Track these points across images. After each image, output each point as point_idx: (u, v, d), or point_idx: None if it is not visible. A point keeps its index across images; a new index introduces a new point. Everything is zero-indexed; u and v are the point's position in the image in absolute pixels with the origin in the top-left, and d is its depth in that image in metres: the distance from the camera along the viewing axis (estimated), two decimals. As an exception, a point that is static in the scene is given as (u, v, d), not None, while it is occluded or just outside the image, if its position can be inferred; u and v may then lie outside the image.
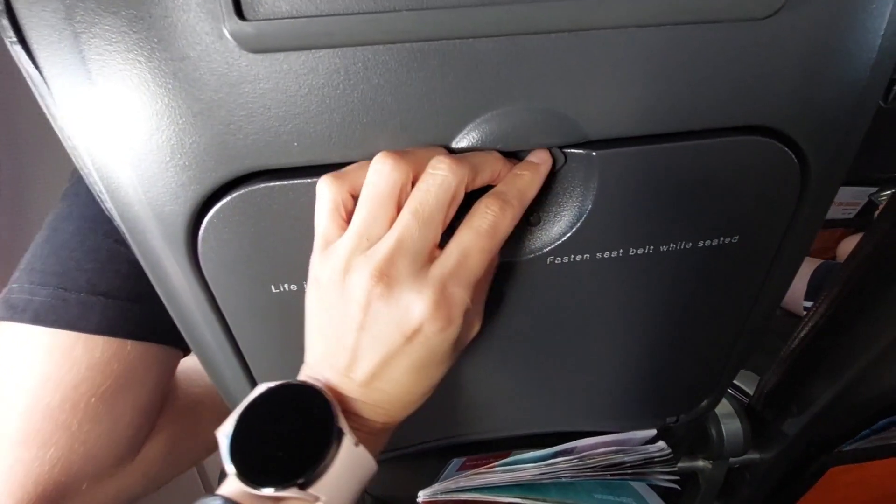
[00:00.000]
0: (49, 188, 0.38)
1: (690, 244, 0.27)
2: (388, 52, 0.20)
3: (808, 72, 0.22)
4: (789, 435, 0.46)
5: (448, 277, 0.21)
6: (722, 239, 0.27)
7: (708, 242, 0.27)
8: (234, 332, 0.28)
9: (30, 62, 0.21)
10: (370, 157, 0.22)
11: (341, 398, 0.23)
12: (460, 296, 0.22)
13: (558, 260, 0.26)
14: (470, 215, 0.22)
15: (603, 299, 0.29)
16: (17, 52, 0.21)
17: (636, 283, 0.29)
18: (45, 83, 0.21)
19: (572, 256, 0.26)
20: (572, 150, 0.24)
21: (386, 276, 0.21)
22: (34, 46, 0.20)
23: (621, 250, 0.27)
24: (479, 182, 0.22)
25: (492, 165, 0.23)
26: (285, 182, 0.23)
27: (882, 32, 0.22)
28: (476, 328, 0.26)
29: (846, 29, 0.22)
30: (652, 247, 0.27)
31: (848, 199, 0.85)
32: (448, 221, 0.22)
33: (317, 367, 0.24)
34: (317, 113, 0.21)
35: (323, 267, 0.23)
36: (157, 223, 0.23)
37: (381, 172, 0.21)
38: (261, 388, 0.23)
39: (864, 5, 0.21)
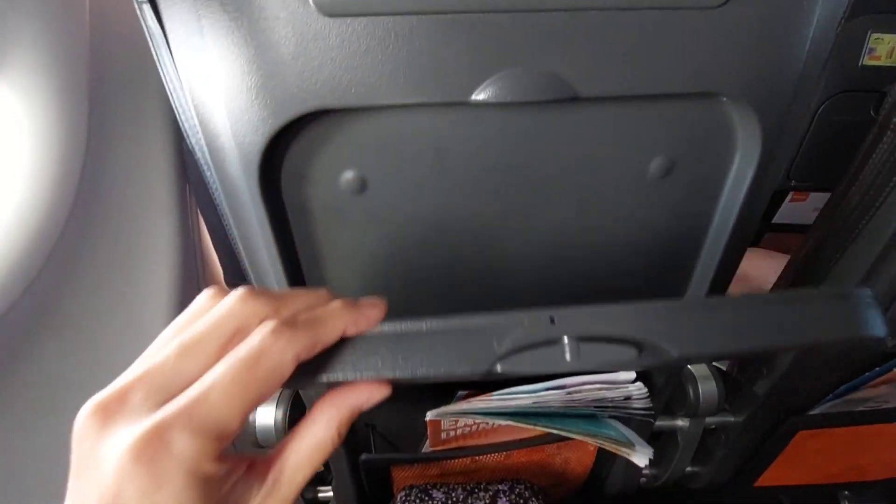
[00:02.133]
0: (128, 188, 0.45)
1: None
2: (428, 21, 0.26)
3: (755, 49, 0.28)
4: (759, 396, 0.51)
5: (173, 416, 0.16)
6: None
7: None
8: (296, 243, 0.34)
9: (154, 19, 0.27)
10: (407, 104, 0.28)
11: None
12: (183, 446, 0.15)
13: None
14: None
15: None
16: (144, 10, 0.27)
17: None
18: (165, 36, 0.28)
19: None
20: None
21: (103, 410, 0.16)
22: (161, 7, 0.27)
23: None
24: (286, 313, 0.19)
25: (304, 299, 0.20)
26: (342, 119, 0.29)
27: (815, 18, 0.28)
28: None
29: (784, 17, 0.28)
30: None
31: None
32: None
33: None
34: (371, 65, 0.27)
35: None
36: (237, 152, 0.30)
37: (193, 304, 0.19)
38: None
39: (797, 2, 0.28)
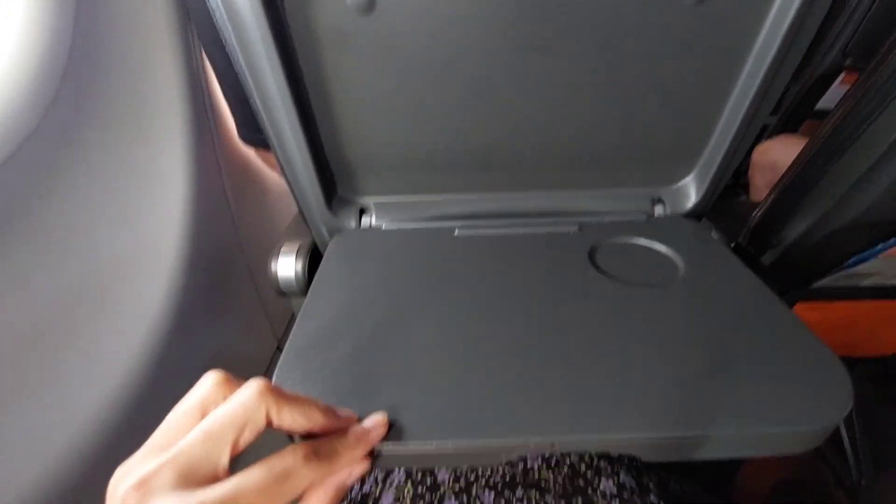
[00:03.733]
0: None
1: None
2: None
3: None
4: (765, 266, 0.52)
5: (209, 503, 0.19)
6: None
7: None
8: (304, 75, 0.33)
9: None
10: None
11: None
12: None
13: None
14: (275, 453, 0.22)
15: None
16: None
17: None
18: None
19: None
20: None
21: (146, 486, 0.19)
22: None
23: None
24: (289, 422, 0.22)
25: (310, 412, 0.23)
26: None
27: None
28: None
29: None
30: None
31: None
32: (244, 446, 0.21)
33: None
34: None
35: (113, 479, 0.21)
36: None
37: (199, 385, 0.22)
38: None
39: None
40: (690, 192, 0.44)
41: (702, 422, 0.24)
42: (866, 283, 0.53)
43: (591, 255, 0.38)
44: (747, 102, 0.37)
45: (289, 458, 0.21)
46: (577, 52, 0.34)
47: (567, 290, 0.34)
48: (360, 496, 0.36)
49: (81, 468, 0.40)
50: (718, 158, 0.42)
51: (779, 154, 0.82)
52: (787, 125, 0.94)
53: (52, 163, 0.39)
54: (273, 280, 0.53)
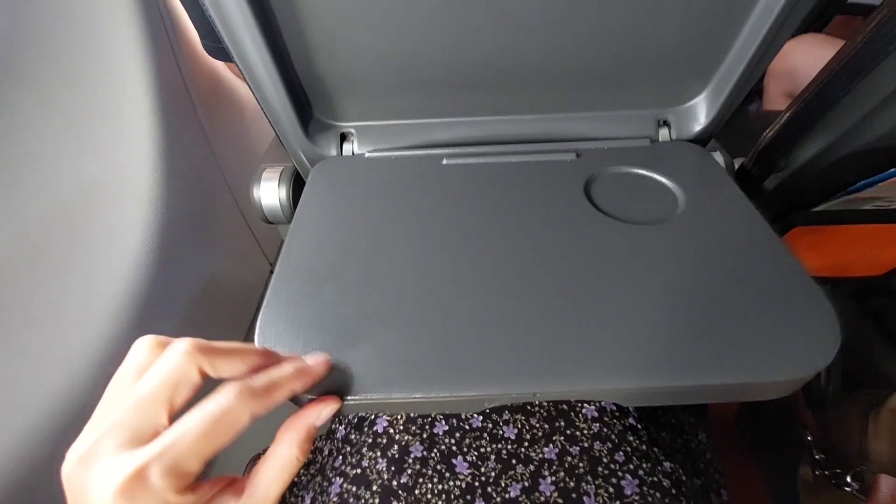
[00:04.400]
0: None
1: None
2: None
3: None
4: (767, 190, 0.50)
5: (152, 458, 0.19)
6: None
7: None
8: None
9: None
10: None
11: None
12: (158, 483, 0.19)
13: None
14: (208, 395, 0.21)
15: None
16: None
17: None
18: None
19: None
20: None
21: (86, 458, 0.19)
22: None
23: None
24: (227, 371, 0.22)
25: (245, 357, 0.23)
26: None
27: None
28: None
29: None
30: None
31: None
32: (181, 403, 0.21)
33: None
34: None
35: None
36: None
37: (132, 353, 0.22)
38: None
39: None
40: (700, 113, 0.41)
41: (684, 372, 0.24)
42: (869, 206, 0.52)
43: (587, 188, 0.36)
44: (781, 3, 0.32)
45: (221, 399, 0.21)
46: None
47: (558, 229, 0.32)
48: (356, 418, 0.38)
49: (70, 406, 0.41)
50: (737, 73, 0.37)
51: (799, 59, 0.75)
52: (812, 22, 0.85)
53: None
54: (257, 208, 0.51)
